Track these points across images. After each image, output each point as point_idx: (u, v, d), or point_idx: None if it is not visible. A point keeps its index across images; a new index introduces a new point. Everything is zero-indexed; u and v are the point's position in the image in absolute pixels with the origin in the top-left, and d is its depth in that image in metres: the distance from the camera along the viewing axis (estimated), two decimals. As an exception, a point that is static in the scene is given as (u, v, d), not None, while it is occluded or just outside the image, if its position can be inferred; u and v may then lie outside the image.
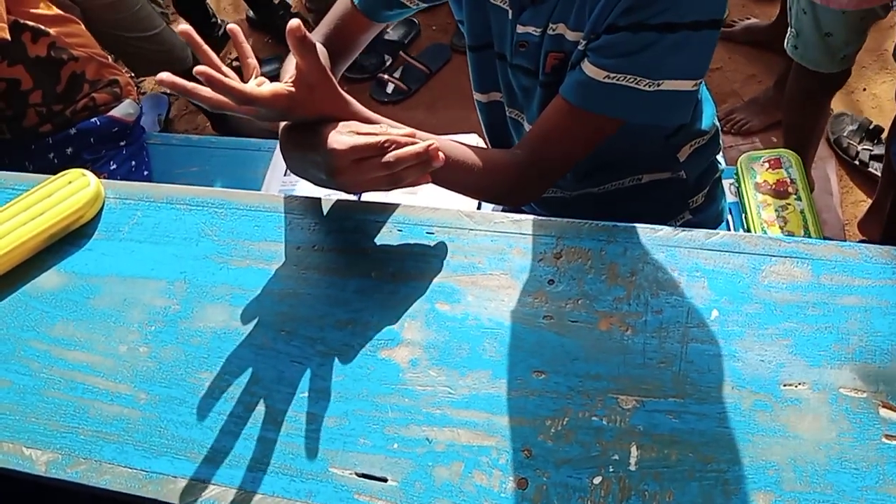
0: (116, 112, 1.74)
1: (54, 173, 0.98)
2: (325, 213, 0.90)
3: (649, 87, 0.84)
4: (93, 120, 1.70)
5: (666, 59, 0.83)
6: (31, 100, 1.61)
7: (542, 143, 0.92)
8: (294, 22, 0.71)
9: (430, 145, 0.76)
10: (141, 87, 2.85)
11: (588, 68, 0.85)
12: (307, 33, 0.73)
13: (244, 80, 0.78)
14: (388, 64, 2.68)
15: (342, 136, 0.76)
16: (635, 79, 0.83)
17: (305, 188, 1.61)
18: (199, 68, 0.70)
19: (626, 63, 0.83)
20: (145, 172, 1.79)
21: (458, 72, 2.67)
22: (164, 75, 0.69)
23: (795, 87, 1.83)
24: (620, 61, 0.83)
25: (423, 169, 0.77)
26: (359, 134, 0.76)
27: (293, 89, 0.76)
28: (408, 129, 0.80)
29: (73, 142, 1.69)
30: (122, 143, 1.76)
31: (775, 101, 2.16)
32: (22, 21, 1.52)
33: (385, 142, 0.75)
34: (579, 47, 0.87)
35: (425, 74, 2.66)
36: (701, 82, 0.85)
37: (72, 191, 0.95)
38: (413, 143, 0.76)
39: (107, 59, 1.77)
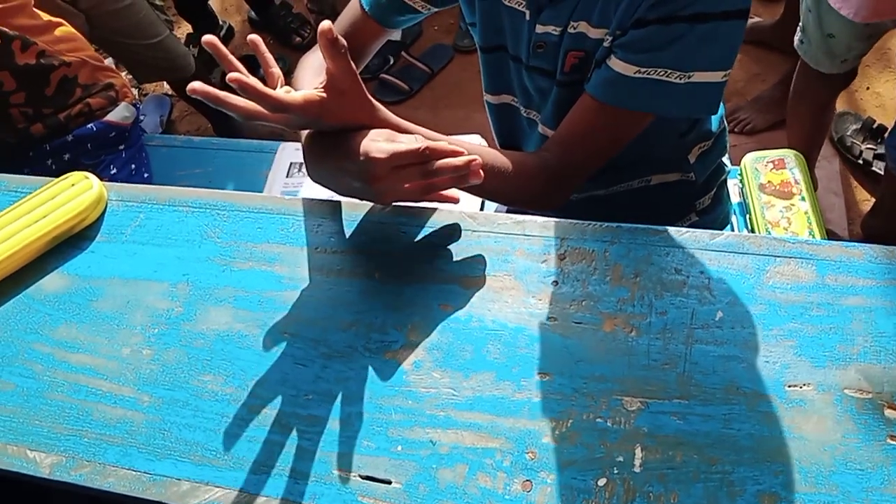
0: (112, 116, 1.73)
1: (54, 179, 0.98)
2: (328, 214, 0.90)
3: (680, 79, 0.83)
4: (89, 126, 1.69)
5: (696, 51, 0.82)
6: (13, 100, 1.59)
7: (570, 144, 0.92)
8: (325, 24, 0.71)
9: (472, 160, 0.76)
10: (143, 89, 2.86)
11: (616, 64, 0.85)
12: (339, 36, 0.72)
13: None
14: (390, 64, 2.69)
15: (381, 143, 0.75)
16: (666, 72, 0.83)
17: (308, 191, 1.61)
18: (232, 76, 0.69)
19: (657, 57, 0.83)
20: (145, 175, 1.78)
21: (460, 72, 2.67)
22: (196, 85, 0.68)
23: (799, 85, 1.83)
24: (651, 55, 0.83)
25: (461, 182, 0.76)
26: (396, 141, 0.76)
27: (325, 95, 0.75)
28: (444, 139, 0.80)
29: (71, 148, 1.68)
30: (120, 147, 1.76)
31: (779, 100, 2.15)
32: (10, 32, 1.52)
33: (425, 149, 0.74)
34: (604, 44, 0.87)
35: (427, 74, 2.66)
36: (730, 73, 0.85)
37: (75, 193, 0.95)
38: (453, 150, 0.76)
39: (101, 61, 1.76)
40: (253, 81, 0.70)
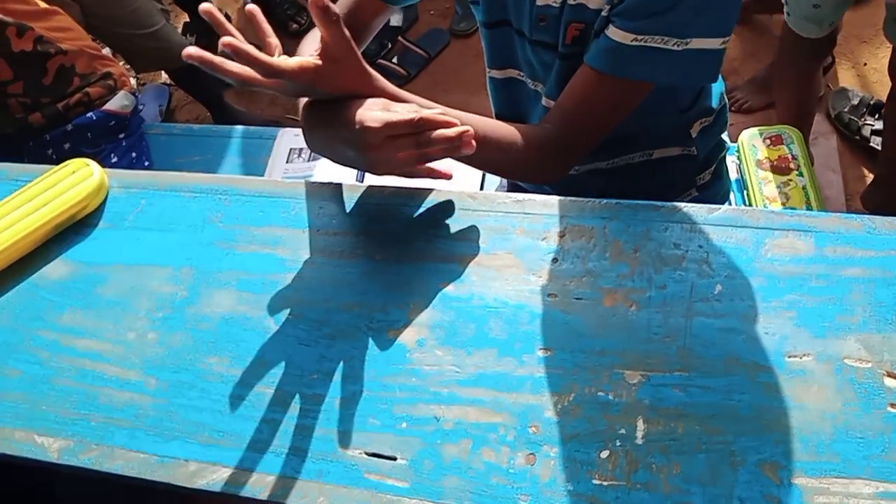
0: (111, 105, 1.73)
1: (54, 169, 0.98)
2: (329, 197, 0.90)
3: (678, 46, 0.83)
4: (88, 115, 1.69)
5: (694, 17, 0.82)
6: (11, 90, 1.59)
7: (571, 116, 0.91)
8: None
9: (464, 132, 0.76)
10: (141, 79, 2.85)
11: (614, 33, 0.84)
12: (330, 4, 0.71)
13: None
14: (387, 49, 2.68)
15: (375, 112, 0.75)
16: (663, 39, 0.83)
17: (319, 177, 1.61)
18: (225, 40, 0.69)
19: (655, 23, 0.82)
20: (146, 163, 1.79)
21: (457, 56, 2.67)
22: (192, 49, 0.68)
23: (784, 57, 1.85)
24: (648, 22, 0.82)
25: (453, 152, 0.77)
26: (391, 111, 0.76)
27: (319, 62, 0.75)
28: (439, 108, 0.80)
29: (71, 137, 1.68)
30: (120, 136, 1.76)
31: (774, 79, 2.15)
32: (5, 18, 1.51)
33: (419, 119, 0.75)
34: (603, 14, 0.87)
35: (424, 59, 2.65)
36: (728, 40, 0.85)
37: (76, 180, 0.95)
38: (446, 121, 0.76)
39: (99, 50, 1.76)
40: (246, 47, 0.70)
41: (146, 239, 0.91)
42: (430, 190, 0.88)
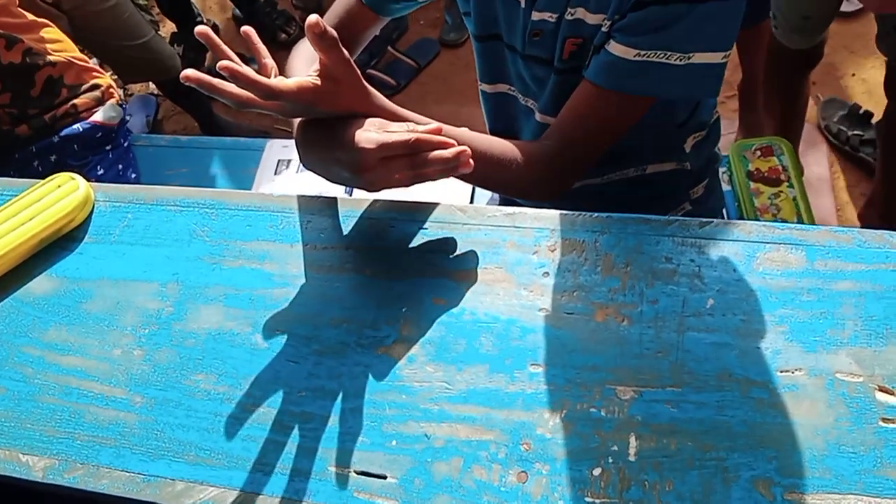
0: (99, 116, 1.72)
1: (40, 181, 0.97)
2: (318, 211, 0.90)
3: (680, 61, 0.83)
4: (75, 126, 1.68)
5: (696, 31, 0.82)
6: None
7: (572, 132, 0.91)
8: (312, 18, 0.70)
9: (461, 152, 0.75)
10: (128, 90, 2.84)
11: (616, 48, 0.84)
12: (327, 27, 0.71)
13: None
14: (376, 59, 2.68)
15: (370, 134, 0.75)
16: (665, 54, 0.83)
17: (297, 188, 1.61)
18: (223, 63, 0.69)
19: (657, 38, 0.82)
20: (133, 175, 1.78)
21: (446, 66, 2.67)
22: (190, 72, 0.68)
23: (772, 67, 1.86)
24: (651, 37, 0.82)
25: (450, 173, 0.76)
26: (387, 132, 0.75)
27: (318, 82, 0.75)
28: (435, 125, 0.79)
29: (57, 149, 1.67)
30: (107, 148, 1.75)
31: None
32: None
33: (414, 141, 0.74)
34: (602, 29, 0.86)
35: (414, 69, 2.65)
36: (729, 54, 0.85)
37: (61, 195, 0.94)
38: (441, 141, 0.76)
39: (86, 62, 1.75)
40: (245, 70, 0.69)
41: (132, 254, 0.90)
42: (422, 205, 0.88)
